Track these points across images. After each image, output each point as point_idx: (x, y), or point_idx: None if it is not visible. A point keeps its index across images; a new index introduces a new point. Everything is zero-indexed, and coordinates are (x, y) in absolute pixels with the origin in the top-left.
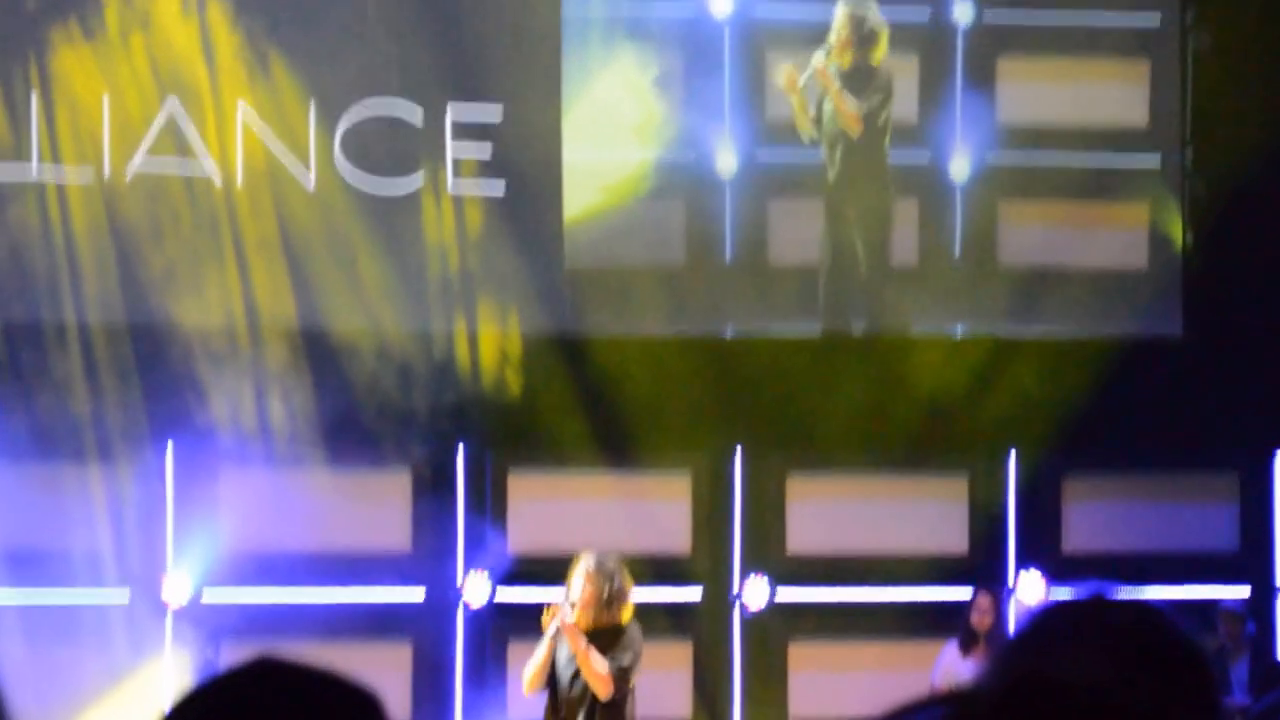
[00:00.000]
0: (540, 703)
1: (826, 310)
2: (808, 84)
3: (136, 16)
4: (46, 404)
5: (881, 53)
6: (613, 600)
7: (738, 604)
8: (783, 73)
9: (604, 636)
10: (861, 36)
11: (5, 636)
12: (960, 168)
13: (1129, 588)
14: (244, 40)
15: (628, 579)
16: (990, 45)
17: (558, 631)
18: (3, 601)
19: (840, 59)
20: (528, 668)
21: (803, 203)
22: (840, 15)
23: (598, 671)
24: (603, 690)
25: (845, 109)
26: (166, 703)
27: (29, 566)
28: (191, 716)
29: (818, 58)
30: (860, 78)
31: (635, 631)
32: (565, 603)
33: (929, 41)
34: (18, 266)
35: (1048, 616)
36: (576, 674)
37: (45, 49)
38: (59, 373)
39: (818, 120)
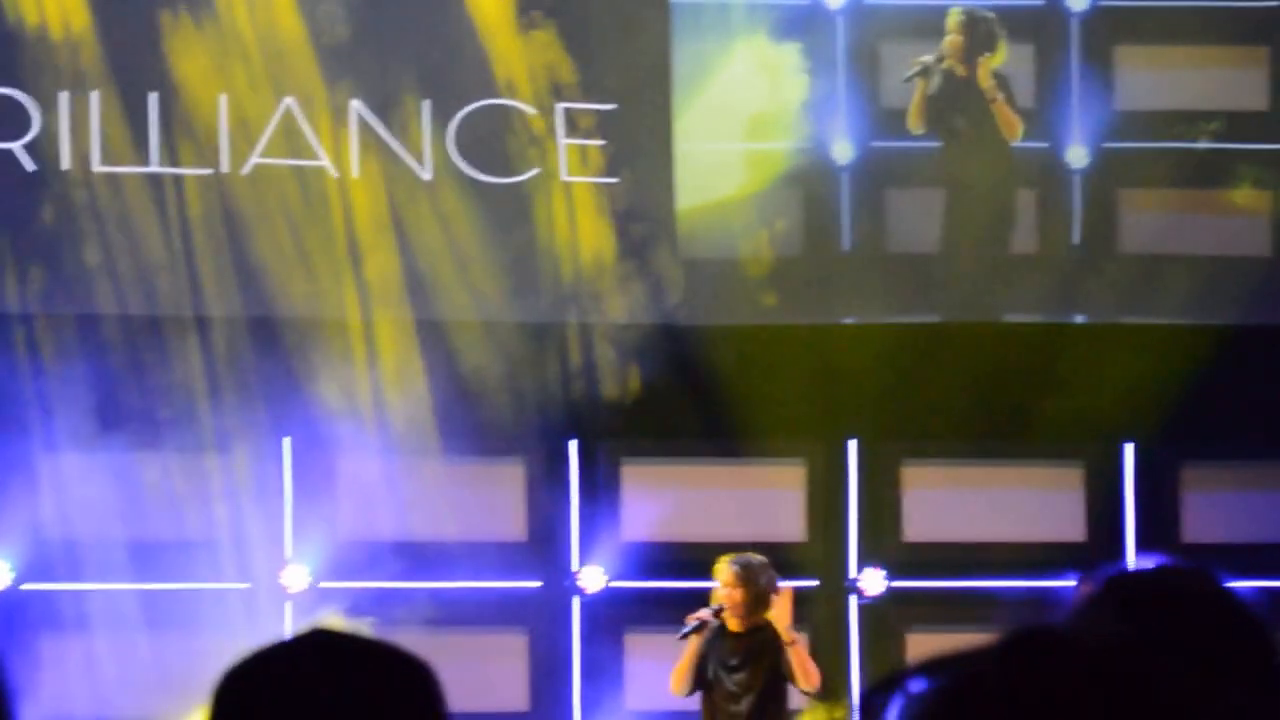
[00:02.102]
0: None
1: (944, 298)
2: (931, 76)
3: (252, 17)
4: (165, 396)
5: (999, 60)
6: (761, 600)
7: (853, 593)
8: (915, 64)
9: (758, 635)
10: (976, 41)
11: (126, 625)
12: (1078, 155)
13: (1249, 579)
14: (357, 40)
15: (773, 578)
16: (1106, 31)
17: (702, 630)
18: (124, 590)
19: (956, 65)
20: (676, 670)
21: (919, 191)
22: (952, 21)
23: (810, 669)
24: (815, 680)
25: (1010, 118)
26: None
27: (149, 556)
28: (243, 685)
29: (943, 49)
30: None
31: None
32: (712, 606)
33: (1044, 29)
34: (136, 260)
35: (1102, 586)
36: (734, 670)
37: (163, 51)
38: (177, 365)
39: (935, 113)
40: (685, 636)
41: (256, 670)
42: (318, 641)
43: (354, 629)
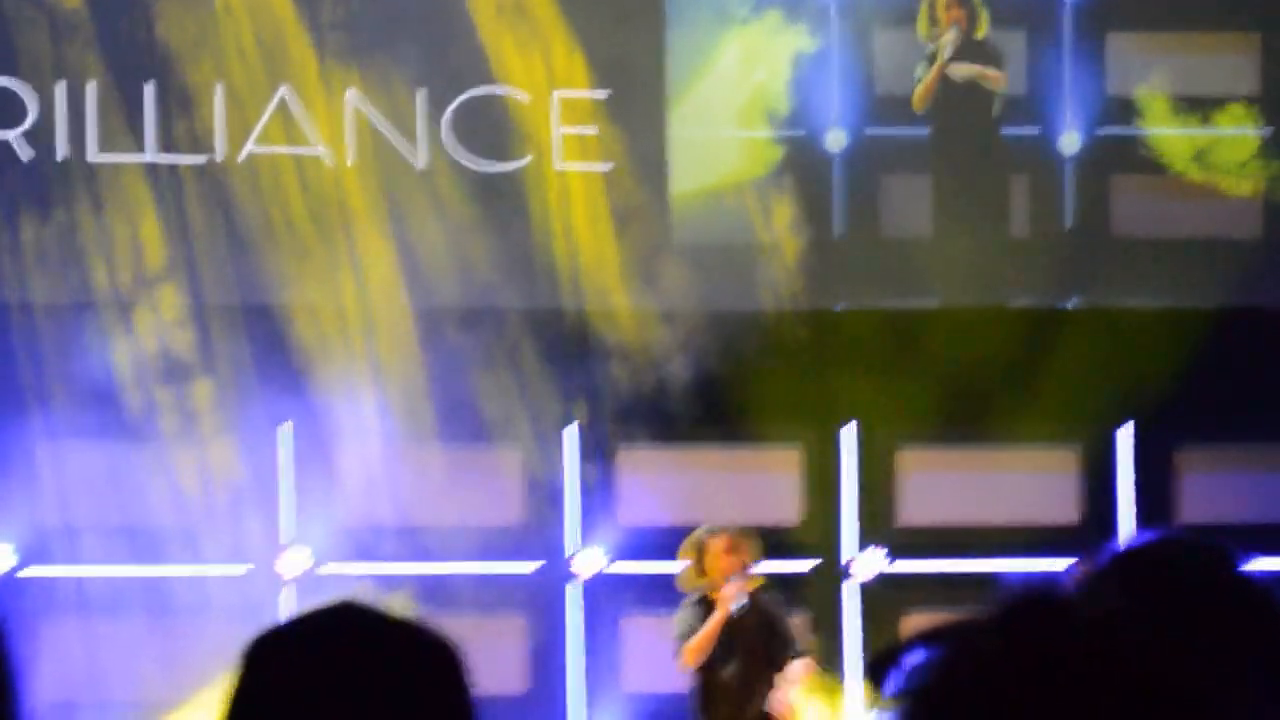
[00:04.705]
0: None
1: (938, 283)
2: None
3: (247, 5)
4: (165, 384)
5: (985, 25)
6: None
7: (848, 576)
8: (945, 45)
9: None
10: (967, 11)
11: (126, 610)
12: (1070, 140)
13: (1245, 559)
14: (353, 27)
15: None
16: (1098, 18)
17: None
18: (124, 577)
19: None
20: (695, 640)
21: (912, 177)
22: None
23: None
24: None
25: (990, 73)
26: (246, 640)
27: (149, 541)
28: (271, 656)
29: (950, 36)
30: (969, 53)
31: None
32: (739, 580)
33: (1036, 15)
34: (132, 248)
35: (1110, 559)
36: (735, 650)
37: (159, 39)
38: (176, 352)
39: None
40: (741, 609)
41: (284, 641)
42: (345, 615)
43: (383, 604)
